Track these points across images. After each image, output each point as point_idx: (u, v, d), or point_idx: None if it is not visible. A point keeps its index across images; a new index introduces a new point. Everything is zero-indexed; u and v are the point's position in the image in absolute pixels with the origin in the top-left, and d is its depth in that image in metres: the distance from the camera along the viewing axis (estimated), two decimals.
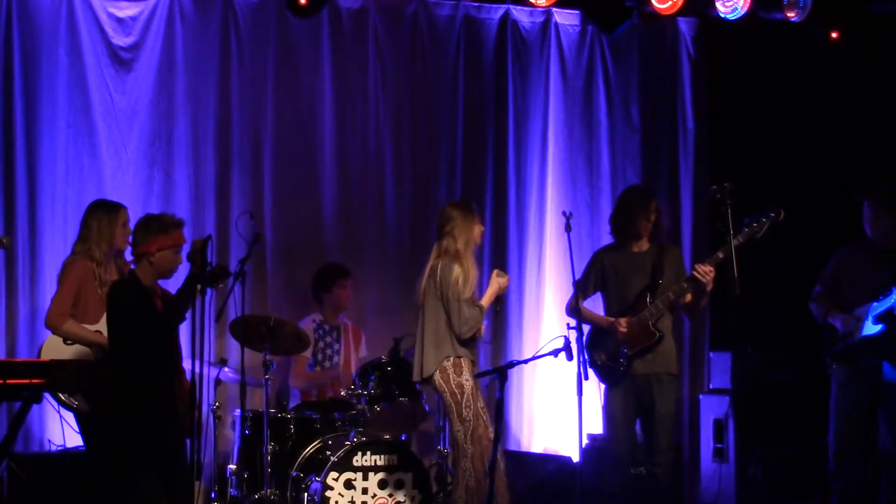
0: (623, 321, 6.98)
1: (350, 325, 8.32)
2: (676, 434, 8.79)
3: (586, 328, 7.06)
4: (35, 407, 6.11)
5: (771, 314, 8.47)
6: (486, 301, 6.95)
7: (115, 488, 6.07)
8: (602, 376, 7.11)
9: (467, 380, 6.85)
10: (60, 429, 7.08)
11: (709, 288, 6.94)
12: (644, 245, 7.14)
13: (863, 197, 7.32)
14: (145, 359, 5.89)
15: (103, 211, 6.71)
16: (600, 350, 7.05)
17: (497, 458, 6.68)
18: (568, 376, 7.01)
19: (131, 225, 6.74)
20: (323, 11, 8.63)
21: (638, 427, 7.19)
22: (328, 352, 8.16)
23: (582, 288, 7.19)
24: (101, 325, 6.53)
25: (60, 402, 6.49)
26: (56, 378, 5.73)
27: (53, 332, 6.54)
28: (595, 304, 7.41)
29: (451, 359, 6.84)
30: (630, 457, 7.17)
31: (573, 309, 7.10)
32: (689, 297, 7.08)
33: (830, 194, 8.40)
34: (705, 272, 6.88)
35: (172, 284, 6.24)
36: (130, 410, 5.86)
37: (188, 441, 6.03)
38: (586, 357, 7.04)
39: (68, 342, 6.51)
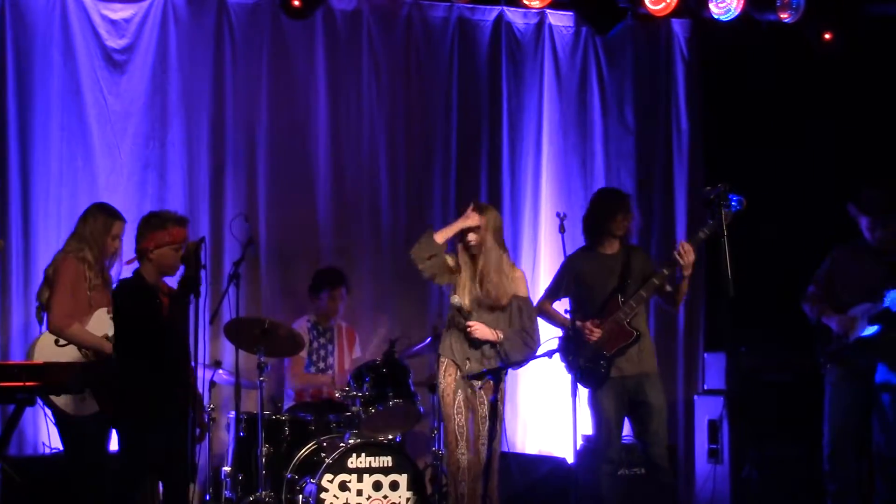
0: (595, 330, 6.97)
1: (344, 327, 8.31)
2: (671, 435, 8.80)
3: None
4: (29, 410, 6.07)
5: (765, 315, 8.47)
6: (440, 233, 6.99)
7: (100, 490, 6.11)
8: (584, 380, 7.05)
9: (441, 381, 6.95)
10: (56, 431, 7.07)
11: (687, 271, 6.90)
12: (615, 247, 7.13)
13: (855, 211, 7.33)
14: (150, 358, 5.89)
15: (102, 214, 6.63)
16: (578, 355, 7.01)
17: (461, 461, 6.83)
18: (562, 377, 7.01)
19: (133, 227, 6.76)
20: (317, 13, 8.64)
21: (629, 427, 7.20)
22: (322, 353, 8.16)
23: (553, 292, 7.21)
24: (89, 328, 6.48)
25: (48, 405, 6.45)
26: (51, 380, 5.70)
27: (58, 335, 6.45)
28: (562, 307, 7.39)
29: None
30: (619, 457, 7.17)
31: (544, 311, 7.17)
32: (667, 287, 7.07)
33: (824, 194, 8.40)
34: (685, 251, 6.86)
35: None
36: (136, 409, 5.87)
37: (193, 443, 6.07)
38: (563, 363, 7.04)
39: (61, 343, 6.46)
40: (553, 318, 7.21)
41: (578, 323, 7.01)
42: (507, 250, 7.10)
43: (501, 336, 6.92)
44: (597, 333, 6.94)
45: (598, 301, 7.05)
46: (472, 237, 6.94)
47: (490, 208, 7.13)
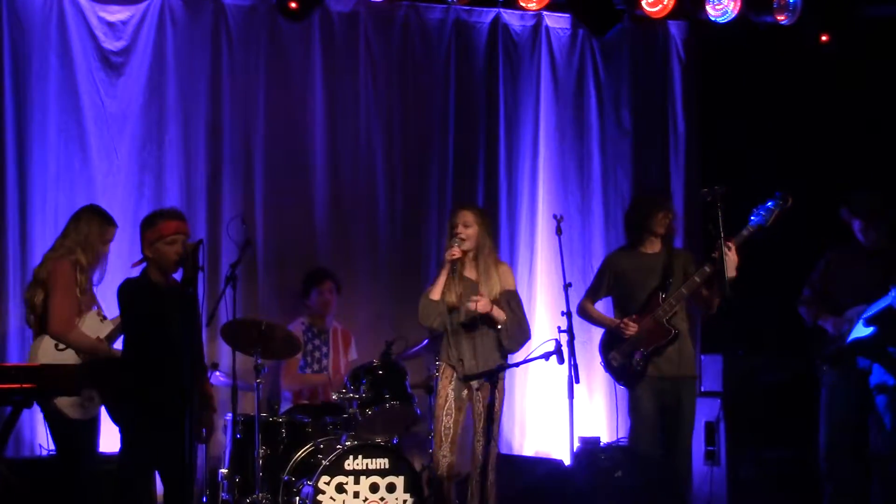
0: (631, 323, 6.98)
1: (339, 329, 8.31)
2: None
3: (586, 332, 7.07)
4: (26, 411, 6.07)
5: (762, 317, 8.48)
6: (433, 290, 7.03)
7: (97, 492, 6.13)
8: (619, 378, 7.12)
9: (440, 383, 7.02)
10: (49, 433, 7.06)
11: (732, 264, 6.80)
12: (656, 246, 7.14)
13: (848, 214, 7.35)
14: (155, 357, 5.90)
15: (97, 219, 6.60)
16: (615, 352, 7.05)
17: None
18: (559, 379, 7.01)
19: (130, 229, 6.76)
20: (314, 15, 8.63)
21: None
22: (317, 354, 8.16)
23: (593, 291, 7.23)
24: (83, 330, 6.49)
25: (49, 410, 6.41)
26: (48, 382, 5.69)
27: (60, 340, 6.42)
28: (606, 306, 7.40)
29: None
30: (655, 457, 7.15)
31: (584, 311, 7.19)
32: (704, 291, 7.04)
33: (821, 196, 8.40)
34: (730, 248, 6.80)
35: None
36: (138, 408, 5.88)
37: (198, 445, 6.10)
38: (601, 360, 7.09)
39: (60, 347, 6.46)
40: (593, 318, 7.22)
41: (615, 319, 7.06)
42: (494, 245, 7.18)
43: (504, 317, 6.96)
44: (632, 328, 6.95)
45: (639, 299, 7.06)
46: (464, 235, 6.99)
47: (483, 211, 7.26)
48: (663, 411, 7.02)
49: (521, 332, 7.06)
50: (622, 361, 7.03)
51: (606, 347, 7.15)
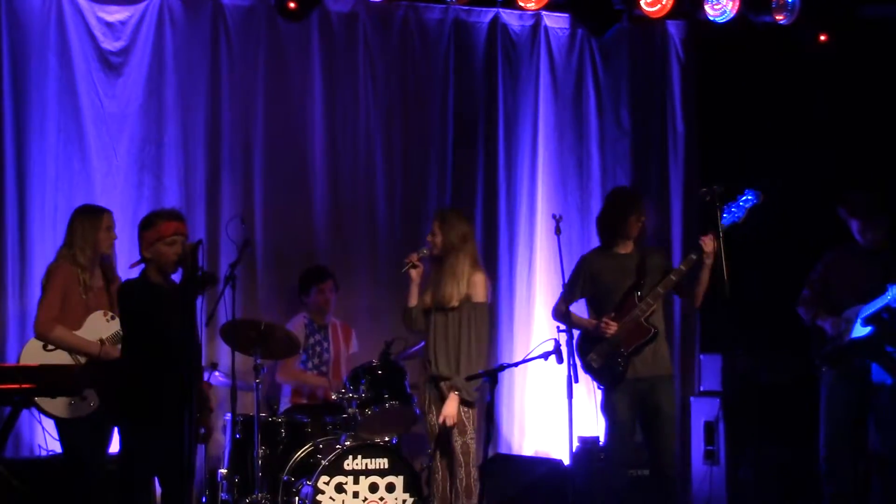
0: (611, 324, 6.97)
1: (339, 324, 8.32)
2: None
3: (576, 333, 7.05)
4: (25, 412, 6.09)
5: (761, 317, 8.48)
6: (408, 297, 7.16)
7: (98, 492, 6.13)
8: (599, 379, 7.06)
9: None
10: (55, 435, 7.06)
11: (709, 260, 6.81)
12: (629, 247, 7.12)
13: (845, 213, 7.36)
14: (155, 358, 5.90)
15: (86, 215, 6.67)
16: (594, 353, 7.02)
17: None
18: (558, 379, 7.01)
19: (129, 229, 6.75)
20: (313, 15, 8.63)
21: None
22: (318, 349, 8.16)
23: (568, 293, 7.19)
24: (84, 331, 6.50)
25: (40, 410, 6.43)
26: (48, 382, 5.69)
27: (43, 340, 6.47)
28: (579, 308, 7.37)
29: None
30: (631, 460, 7.15)
31: (560, 313, 7.06)
32: (675, 290, 7.06)
33: (820, 196, 8.42)
34: (708, 240, 6.80)
35: None
36: (138, 409, 5.88)
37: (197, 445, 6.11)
38: (580, 362, 7.04)
39: (49, 348, 6.46)
40: (570, 321, 7.19)
41: (594, 323, 7.02)
42: (474, 251, 7.09)
43: (458, 390, 6.86)
44: (612, 327, 6.93)
45: (615, 300, 7.02)
46: (431, 243, 7.03)
47: (451, 216, 7.13)
48: (643, 412, 7.00)
49: (473, 366, 6.89)
50: (604, 363, 7.00)
51: (583, 349, 7.09)
